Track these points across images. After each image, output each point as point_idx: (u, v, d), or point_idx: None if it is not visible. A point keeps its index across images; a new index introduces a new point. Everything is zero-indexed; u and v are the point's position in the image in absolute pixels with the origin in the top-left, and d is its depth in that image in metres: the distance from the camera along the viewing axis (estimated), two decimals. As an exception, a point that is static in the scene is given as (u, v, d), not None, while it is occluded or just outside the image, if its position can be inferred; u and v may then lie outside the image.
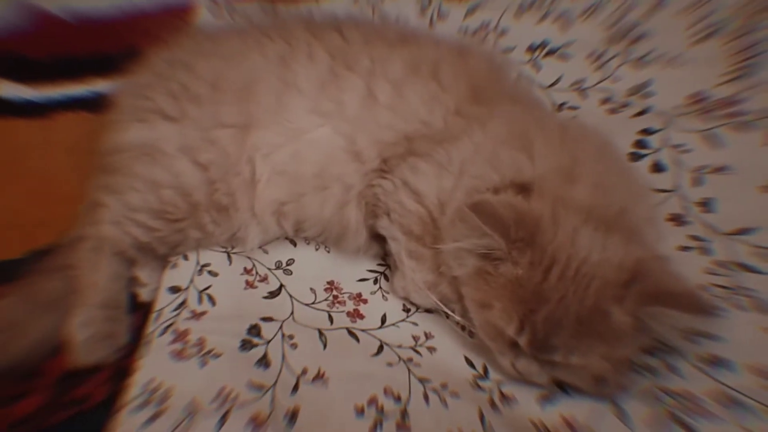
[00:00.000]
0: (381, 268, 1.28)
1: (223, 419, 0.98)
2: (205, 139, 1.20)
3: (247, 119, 1.22)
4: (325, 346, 1.12)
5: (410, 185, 1.17)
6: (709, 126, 1.40)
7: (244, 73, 1.24)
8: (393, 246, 1.21)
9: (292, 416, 1.02)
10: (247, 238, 1.26)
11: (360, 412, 1.03)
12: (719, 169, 1.34)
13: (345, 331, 1.15)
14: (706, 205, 1.29)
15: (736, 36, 1.53)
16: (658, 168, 1.36)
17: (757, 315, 1.12)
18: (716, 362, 1.07)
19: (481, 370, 1.12)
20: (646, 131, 1.43)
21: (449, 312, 1.14)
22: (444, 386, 1.07)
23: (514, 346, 1.06)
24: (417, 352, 1.13)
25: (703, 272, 1.19)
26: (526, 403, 1.07)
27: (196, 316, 1.14)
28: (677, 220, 1.28)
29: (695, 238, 1.25)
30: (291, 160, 1.21)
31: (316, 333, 1.13)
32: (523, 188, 1.08)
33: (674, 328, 1.03)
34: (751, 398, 1.01)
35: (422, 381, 1.07)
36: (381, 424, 1.02)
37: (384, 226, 1.22)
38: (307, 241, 1.31)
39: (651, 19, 1.62)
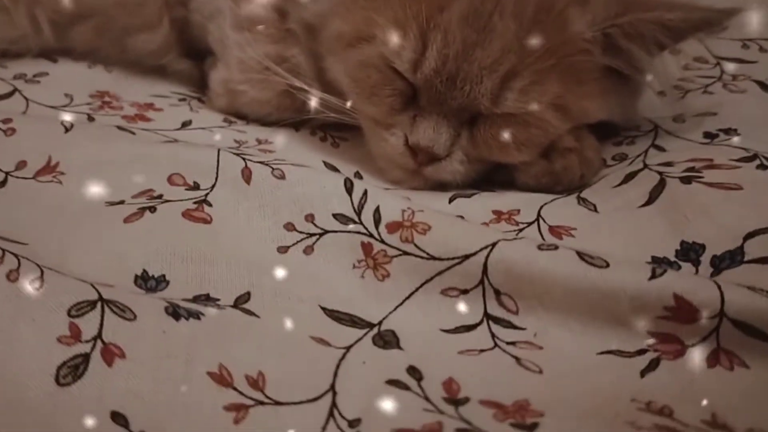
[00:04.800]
0: (195, 94, 0.81)
1: None
2: None
3: None
4: (67, 130, 0.62)
5: None
6: None
7: None
8: (213, 30, 0.76)
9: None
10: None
11: (115, 203, 0.53)
12: None
13: (112, 127, 0.66)
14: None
15: None
16: None
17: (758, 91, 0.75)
18: (727, 132, 0.66)
19: (351, 176, 0.65)
20: None
21: (305, 87, 0.68)
22: (280, 161, 0.59)
23: (408, 102, 0.62)
24: (241, 150, 0.65)
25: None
26: (428, 202, 0.60)
27: None
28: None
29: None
30: None
31: (57, 122, 0.63)
32: None
33: (657, 62, 0.63)
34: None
35: (243, 157, 0.59)
36: (153, 210, 0.52)
37: (200, 4, 0.78)
38: (75, 56, 0.83)
39: None
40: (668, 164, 0.60)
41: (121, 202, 0.54)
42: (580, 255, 0.45)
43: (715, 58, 0.82)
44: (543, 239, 0.54)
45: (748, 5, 0.74)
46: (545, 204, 0.59)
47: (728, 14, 0.61)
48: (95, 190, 0.55)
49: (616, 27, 0.60)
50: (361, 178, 0.65)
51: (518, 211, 0.58)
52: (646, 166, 0.62)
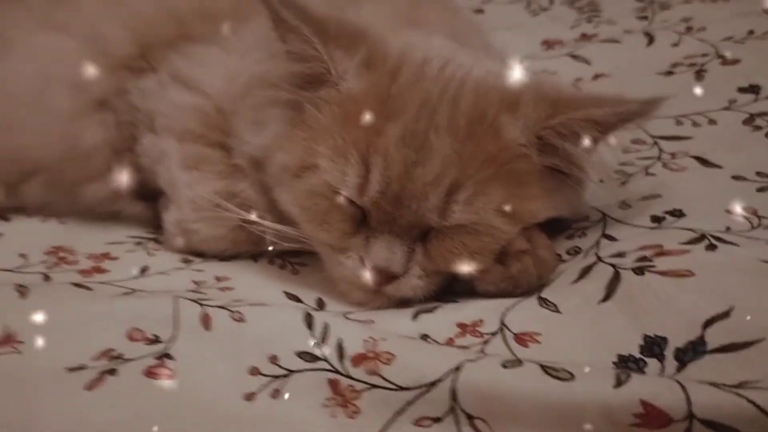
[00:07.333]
0: (151, 235, 0.82)
1: None
2: None
3: None
4: (22, 295, 0.61)
5: (183, 77, 0.77)
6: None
7: None
8: (162, 173, 0.77)
9: None
10: None
11: (75, 369, 0.52)
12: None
13: (68, 285, 0.65)
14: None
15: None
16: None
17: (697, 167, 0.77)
18: (673, 213, 0.68)
19: (313, 304, 0.65)
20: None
21: (257, 220, 0.68)
22: (238, 302, 0.58)
23: (359, 225, 0.63)
24: (199, 293, 0.65)
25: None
26: (392, 322, 0.60)
27: None
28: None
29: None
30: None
31: (11, 288, 0.62)
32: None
33: (593, 155, 0.65)
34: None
35: (200, 302, 0.58)
36: (115, 373, 0.51)
37: (146, 149, 0.78)
38: (29, 211, 0.83)
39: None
40: (620, 255, 0.62)
41: (82, 367, 0.53)
42: (545, 369, 0.45)
43: (652, 138, 0.85)
44: (510, 349, 0.54)
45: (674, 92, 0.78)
46: (508, 309, 0.60)
47: (654, 104, 0.64)
48: (55, 356, 0.54)
49: (548, 129, 0.62)
50: (323, 304, 0.65)
51: (481, 321, 0.59)
52: (599, 258, 0.63)
